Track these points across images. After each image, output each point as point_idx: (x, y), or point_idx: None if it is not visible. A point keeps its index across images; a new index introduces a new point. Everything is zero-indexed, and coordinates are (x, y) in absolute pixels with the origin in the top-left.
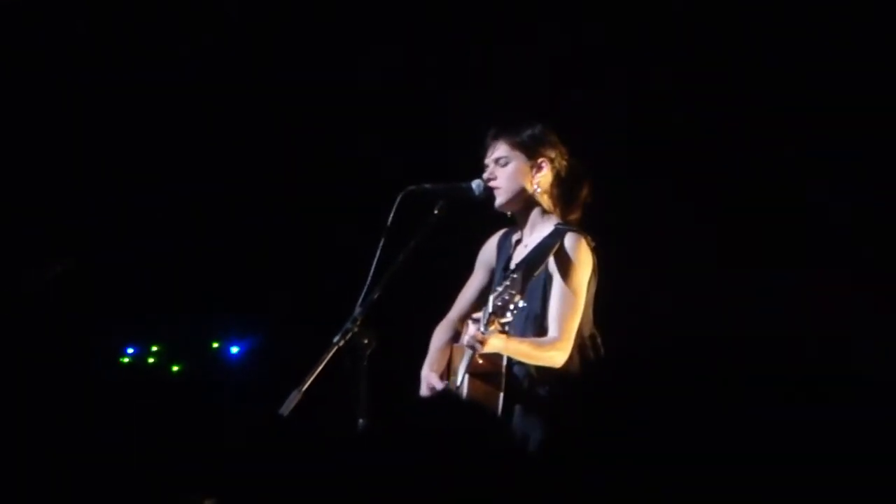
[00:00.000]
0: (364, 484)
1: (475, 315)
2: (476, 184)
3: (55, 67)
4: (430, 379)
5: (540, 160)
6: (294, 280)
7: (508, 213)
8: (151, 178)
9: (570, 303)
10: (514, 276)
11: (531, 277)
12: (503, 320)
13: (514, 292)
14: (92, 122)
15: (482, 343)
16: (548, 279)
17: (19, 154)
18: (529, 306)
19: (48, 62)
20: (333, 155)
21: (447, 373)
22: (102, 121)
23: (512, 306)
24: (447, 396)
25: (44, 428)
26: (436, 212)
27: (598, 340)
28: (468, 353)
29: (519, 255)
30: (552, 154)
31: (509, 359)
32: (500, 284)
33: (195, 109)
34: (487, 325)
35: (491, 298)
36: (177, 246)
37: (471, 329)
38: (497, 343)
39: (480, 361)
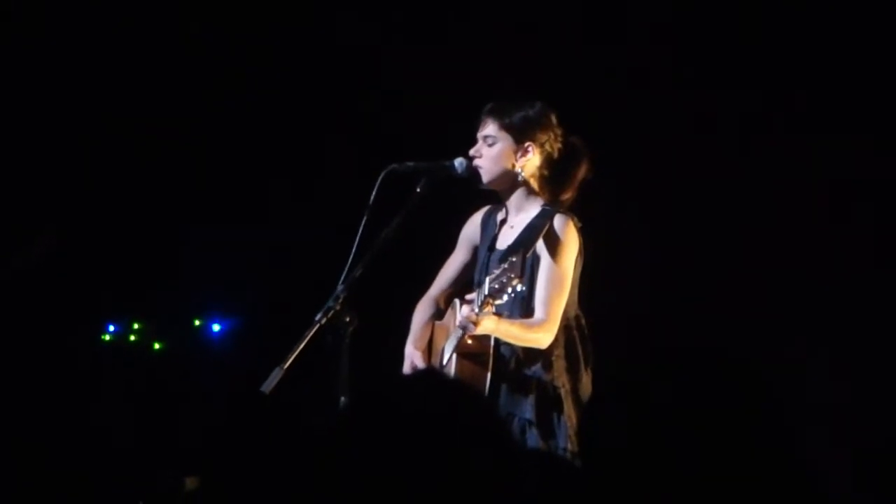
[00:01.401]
0: (347, 462)
1: (468, 296)
2: (458, 162)
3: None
4: (413, 357)
5: (527, 144)
6: (276, 257)
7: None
8: (134, 152)
9: (558, 285)
10: (513, 259)
11: (514, 255)
12: (498, 302)
13: (512, 276)
14: (69, 93)
15: (475, 325)
16: (535, 260)
17: None
18: None
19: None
20: (317, 131)
21: (428, 351)
22: (80, 93)
23: (510, 289)
24: (432, 375)
25: (24, 407)
26: (418, 190)
27: (583, 321)
28: (458, 333)
29: (505, 235)
30: (543, 138)
31: (496, 339)
32: (496, 267)
33: (172, 81)
34: (482, 306)
35: (487, 280)
36: (158, 222)
37: (464, 310)
38: (489, 325)
39: (469, 342)
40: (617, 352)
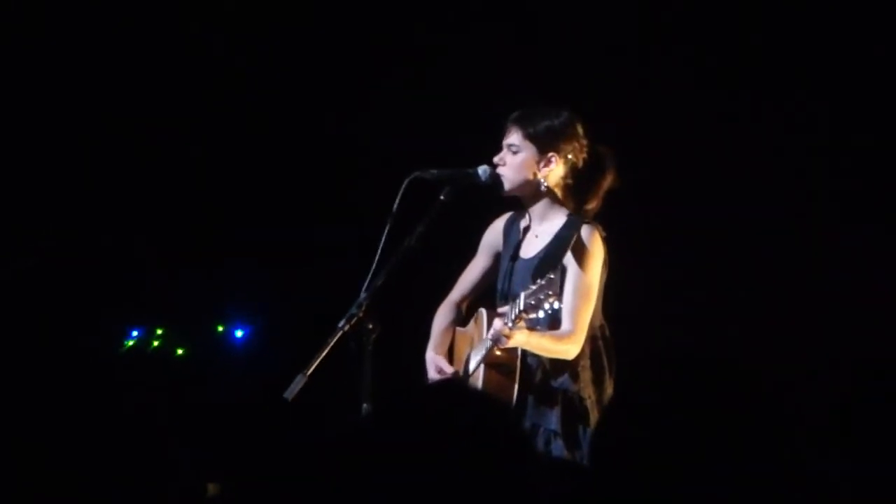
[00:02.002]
0: (369, 469)
1: (500, 309)
2: (482, 170)
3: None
4: (437, 361)
5: (550, 154)
6: (300, 263)
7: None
8: (158, 155)
9: (585, 296)
10: (552, 276)
11: (552, 271)
12: (531, 316)
13: (550, 293)
14: (89, 105)
15: (508, 338)
16: (562, 270)
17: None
18: None
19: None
20: (340, 138)
21: (449, 357)
22: (99, 104)
23: (546, 306)
24: (457, 384)
25: (44, 413)
26: (442, 197)
27: (608, 331)
28: (487, 344)
29: (529, 243)
30: (567, 148)
31: (523, 351)
32: (527, 279)
33: (195, 94)
34: (515, 321)
35: (522, 296)
36: (182, 227)
37: (497, 324)
38: (521, 338)
39: (497, 353)
40: (629, 359)
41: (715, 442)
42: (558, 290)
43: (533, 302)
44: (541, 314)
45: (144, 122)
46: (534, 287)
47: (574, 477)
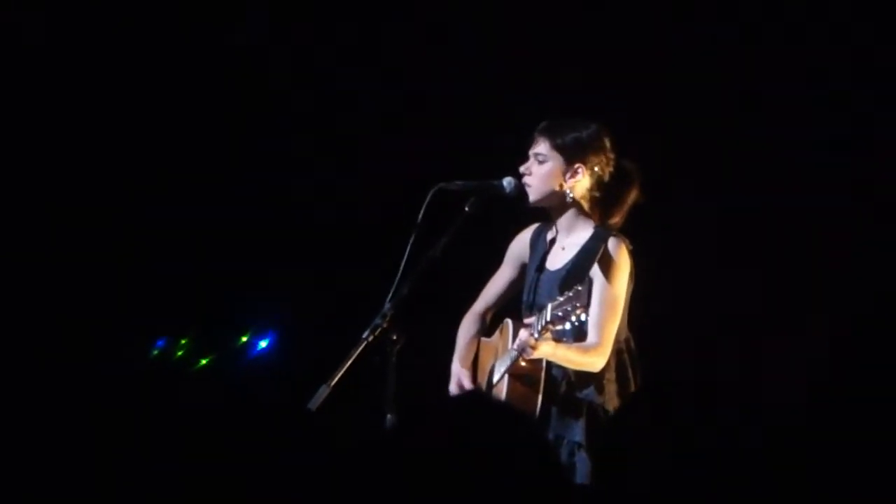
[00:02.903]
0: (392, 480)
1: (527, 320)
2: (507, 181)
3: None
4: (460, 375)
5: (577, 165)
6: (325, 275)
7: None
8: (176, 164)
9: (611, 308)
10: (579, 288)
11: (579, 283)
12: (558, 328)
13: (577, 305)
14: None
15: (534, 349)
16: (589, 283)
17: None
18: None
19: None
20: (363, 150)
21: (474, 368)
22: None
23: (574, 318)
24: (480, 396)
25: (67, 423)
26: (466, 209)
27: (632, 344)
28: (512, 354)
29: (555, 255)
30: (594, 160)
31: (548, 362)
32: (555, 291)
33: (207, 103)
34: (541, 331)
35: (549, 307)
36: (205, 238)
37: (523, 334)
38: (546, 349)
39: (522, 364)
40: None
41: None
42: (586, 303)
43: (560, 314)
44: (567, 326)
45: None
46: (561, 299)
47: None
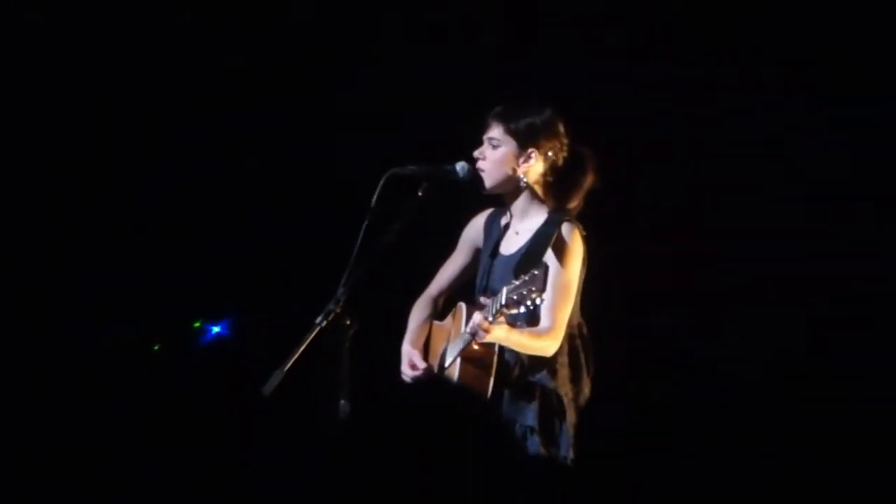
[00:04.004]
0: (350, 467)
1: (483, 300)
2: (460, 166)
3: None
4: (411, 356)
5: (530, 150)
6: (277, 259)
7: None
8: (143, 160)
9: (564, 293)
10: (536, 272)
11: (535, 267)
12: (513, 312)
13: (533, 289)
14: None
15: (487, 332)
16: (545, 268)
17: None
18: None
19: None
20: (320, 135)
21: (425, 350)
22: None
23: (529, 302)
24: (435, 381)
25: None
26: (420, 194)
27: (585, 330)
28: (465, 337)
29: (509, 240)
30: (547, 145)
31: (501, 345)
32: (509, 275)
33: (160, 79)
34: (496, 315)
35: (505, 290)
36: (157, 223)
37: (477, 317)
38: (500, 333)
39: (475, 347)
40: (610, 358)
41: (697, 442)
42: (541, 287)
43: (515, 297)
44: (522, 309)
45: (110, 121)
46: (517, 282)
47: (551, 474)
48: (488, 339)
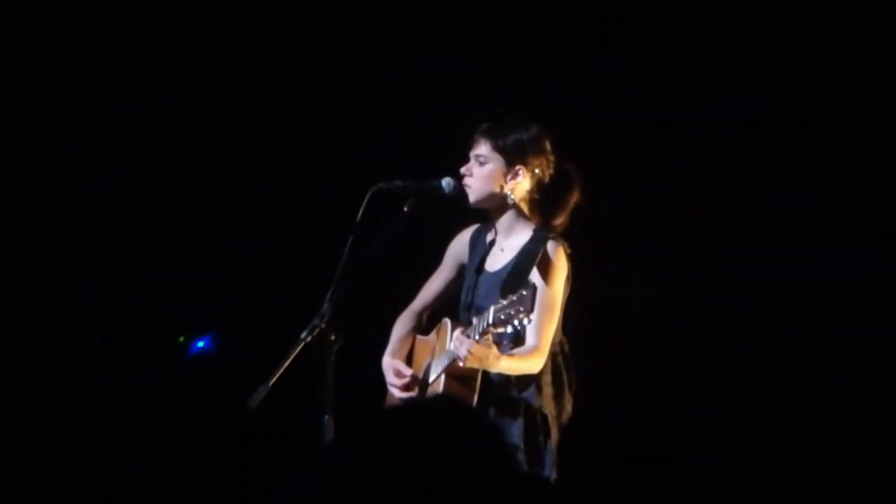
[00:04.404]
0: (335, 482)
1: (474, 319)
2: (446, 182)
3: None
4: (395, 365)
5: (517, 167)
6: (262, 274)
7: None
8: (126, 166)
9: (549, 311)
10: (524, 293)
11: (519, 287)
12: (499, 331)
13: (521, 309)
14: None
15: (472, 355)
16: (533, 289)
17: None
18: None
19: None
20: (306, 150)
21: (408, 364)
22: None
23: (516, 322)
24: (423, 388)
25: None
26: (405, 209)
27: (566, 347)
28: (449, 355)
29: (495, 257)
30: (535, 162)
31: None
32: (504, 298)
33: (155, 84)
34: (482, 334)
35: (492, 310)
36: (141, 236)
37: (461, 339)
38: (484, 356)
39: (460, 364)
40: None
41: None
42: (529, 308)
43: (503, 317)
44: (509, 329)
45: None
46: (504, 302)
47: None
48: (471, 362)
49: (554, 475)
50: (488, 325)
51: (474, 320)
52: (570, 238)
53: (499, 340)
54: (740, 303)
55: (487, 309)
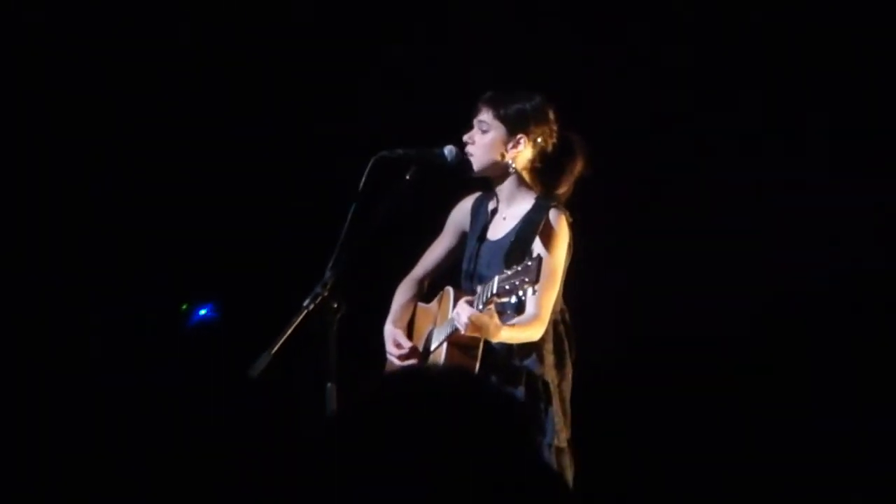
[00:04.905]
0: (338, 453)
1: (478, 290)
2: (448, 150)
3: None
4: (395, 335)
5: (519, 136)
6: (265, 241)
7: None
8: (130, 143)
9: (550, 280)
10: (529, 263)
11: (523, 256)
12: (503, 300)
13: (526, 280)
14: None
15: (474, 325)
16: (539, 259)
17: None
18: None
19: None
20: (307, 118)
21: (409, 332)
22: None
23: (521, 292)
24: (421, 358)
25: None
26: (408, 177)
27: (567, 316)
28: (451, 325)
29: (497, 226)
30: (537, 131)
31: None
32: (509, 268)
33: (156, 73)
34: (486, 303)
35: (497, 279)
36: (143, 205)
37: (464, 308)
38: (486, 325)
39: (462, 332)
40: (597, 346)
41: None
42: (534, 278)
43: (507, 287)
44: (514, 299)
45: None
46: (509, 272)
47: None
48: (474, 331)
49: (556, 442)
50: (492, 294)
51: (479, 289)
52: (572, 208)
53: (502, 310)
54: (740, 276)
55: (492, 279)
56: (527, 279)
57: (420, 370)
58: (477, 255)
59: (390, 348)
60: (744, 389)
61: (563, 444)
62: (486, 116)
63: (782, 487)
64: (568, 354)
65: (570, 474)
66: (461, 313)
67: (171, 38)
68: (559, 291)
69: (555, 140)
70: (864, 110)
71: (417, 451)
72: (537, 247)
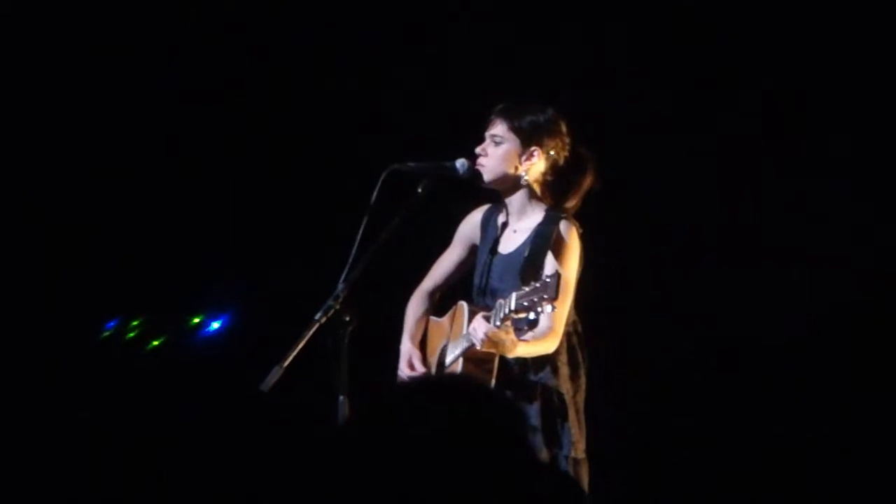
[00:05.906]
0: (349, 465)
1: (491, 307)
2: (460, 163)
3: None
4: (411, 355)
5: (532, 148)
6: (277, 255)
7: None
8: (136, 150)
9: (564, 292)
10: (548, 280)
11: (538, 271)
12: (520, 316)
13: (545, 296)
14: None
15: (490, 341)
16: (557, 276)
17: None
18: None
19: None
20: (319, 132)
21: (423, 346)
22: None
23: (539, 309)
24: (431, 382)
25: (17, 406)
26: (419, 190)
27: (579, 327)
28: (468, 339)
29: (508, 238)
30: (550, 144)
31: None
32: (526, 284)
33: (162, 79)
34: (503, 320)
35: (514, 296)
36: (159, 220)
37: (481, 324)
38: (501, 338)
39: (478, 348)
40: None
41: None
42: (553, 295)
43: (525, 303)
44: (532, 315)
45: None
46: (527, 289)
47: (553, 475)
48: (490, 347)
49: (573, 454)
50: (510, 311)
51: (500, 302)
52: (581, 219)
53: (518, 326)
54: (751, 284)
55: (506, 292)
56: (546, 296)
57: (434, 381)
58: (489, 269)
59: (403, 367)
60: (756, 398)
61: (581, 455)
62: (499, 129)
63: (800, 497)
64: (582, 365)
65: (586, 484)
66: (478, 329)
67: (186, 55)
68: (572, 303)
69: (567, 153)
70: (864, 110)
71: (430, 459)
72: (550, 260)
